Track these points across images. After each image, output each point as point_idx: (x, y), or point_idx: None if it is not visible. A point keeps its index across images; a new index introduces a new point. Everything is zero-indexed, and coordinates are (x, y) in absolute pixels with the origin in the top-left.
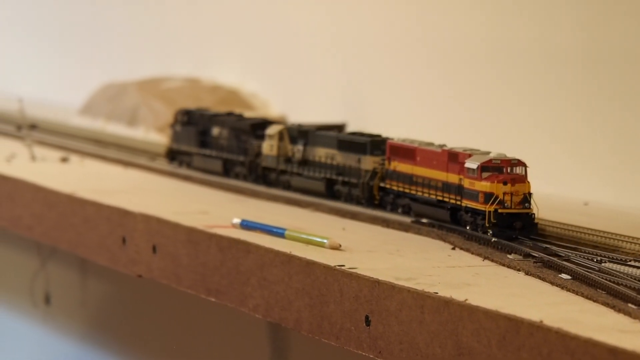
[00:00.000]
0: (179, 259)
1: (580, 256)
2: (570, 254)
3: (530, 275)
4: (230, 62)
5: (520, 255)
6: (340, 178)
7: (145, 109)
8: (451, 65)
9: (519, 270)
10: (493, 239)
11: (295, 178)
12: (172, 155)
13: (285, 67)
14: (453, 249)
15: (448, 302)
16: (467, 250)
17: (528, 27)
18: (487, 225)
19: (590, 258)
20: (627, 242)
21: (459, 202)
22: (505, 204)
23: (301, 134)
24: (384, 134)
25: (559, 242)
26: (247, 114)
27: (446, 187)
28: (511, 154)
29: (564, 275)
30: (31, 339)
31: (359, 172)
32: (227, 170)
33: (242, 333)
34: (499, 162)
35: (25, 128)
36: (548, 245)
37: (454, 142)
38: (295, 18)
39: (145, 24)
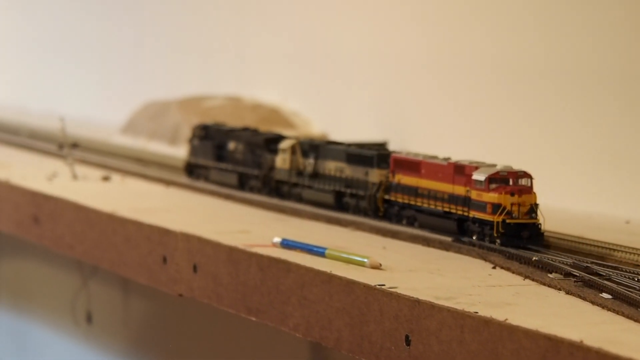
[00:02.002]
0: (220, 278)
1: (621, 275)
2: (611, 273)
3: (570, 294)
4: (271, 80)
5: (561, 274)
6: (348, 190)
7: (186, 128)
8: (491, 84)
9: (559, 289)
10: (534, 258)
11: (307, 190)
12: (190, 169)
13: (326, 85)
14: (494, 268)
15: (488, 322)
16: (508, 269)
17: (569, 48)
18: (495, 234)
19: (631, 277)
20: None
21: (466, 213)
22: (513, 215)
23: (312, 147)
24: (426, 152)
25: (600, 262)
26: (288, 132)
27: (453, 198)
28: (552, 173)
29: (604, 295)
30: (73, 357)
31: (367, 185)
32: (243, 183)
33: (282, 352)
34: (505, 174)
35: (67, 147)
36: (589, 265)
37: (494, 160)
38: (337, 37)
39: (187, 42)
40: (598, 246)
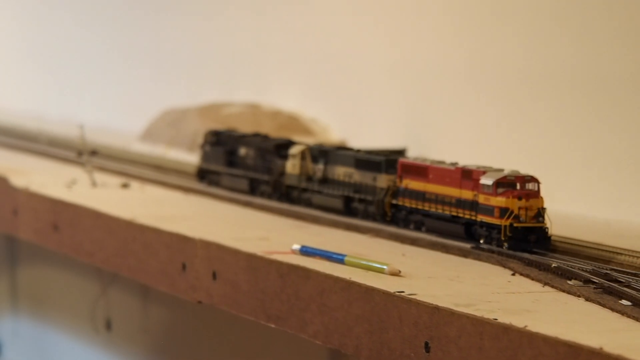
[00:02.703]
0: (239, 285)
1: None
2: (630, 280)
3: (590, 301)
4: (290, 87)
5: (581, 281)
6: (357, 196)
7: None
8: (513, 92)
9: (579, 296)
10: (553, 265)
11: (316, 196)
12: (202, 174)
13: (345, 92)
14: (513, 274)
15: (507, 329)
16: (527, 276)
17: (590, 56)
18: (502, 238)
19: None
20: None
21: (473, 217)
22: (520, 218)
23: (322, 153)
24: (446, 159)
25: (620, 268)
26: (307, 139)
27: (460, 203)
28: (577, 179)
29: (624, 302)
30: None
31: (375, 190)
32: (253, 188)
33: (301, 359)
34: (513, 178)
35: (86, 154)
36: (608, 271)
37: (517, 167)
38: (356, 43)
39: (206, 49)
40: (617, 253)
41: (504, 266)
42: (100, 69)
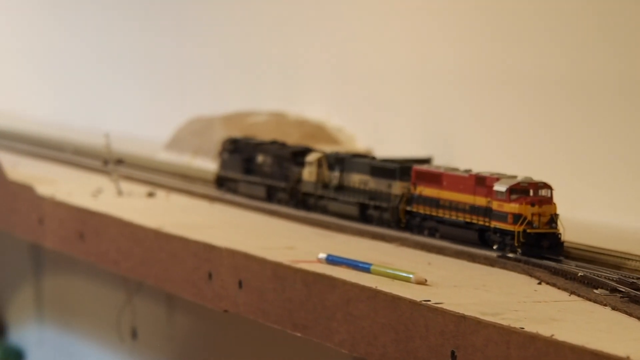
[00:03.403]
0: (265, 294)
1: None
2: None
3: (616, 310)
4: (316, 96)
5: (607, 290)
6: (372, 203)
7: None
8: (537, 99)
9: (605, 305)
10: (580, 274)
11: (332, 203)
12: (220, 182)
13: (372, 101)
14: (539, 283)
15: (534, 338)
16: (554, 285)
17: (617, 62)
18: (516, 244)
19: None
20: None
21: (487, 224)
22: (534, 225)
23: (338, 160)
24: (472, 167)
25: None
26: (333, 148)
27: (474, 209)
28: (599, 188)
29: None
30: None
31: (389, 197)
32: (270, 195)
33: None
34: (526, 185)
35: (112, 163)
36: (635, 280)
37: (543, 176)
38: (382, 52)
39: (231, 58)
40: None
41: (530, 275)
42: (125, 78)
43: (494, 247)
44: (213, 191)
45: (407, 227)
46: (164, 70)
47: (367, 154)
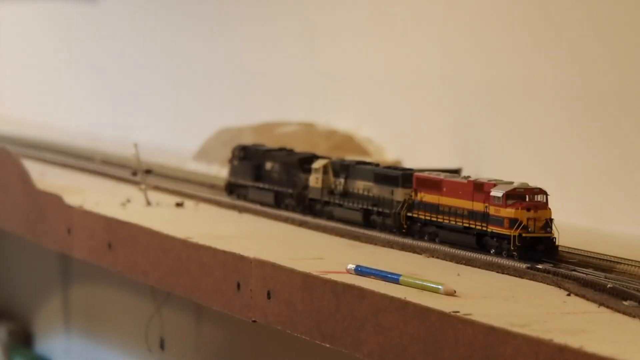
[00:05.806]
0: (294, 304)
1: None
2: None
3: None
4: (346, 107)
5: (636, 302)
6: (375, 209)
7: None
8: (567, 111)
9: (634, 316)
10: (609, 285)
11: (337, 209)
12: (231, 188)
13: (401, 112)
14: (568, 295)
15: (563, 349)
16: (583, 296)
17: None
18: (512, 248)
19: None
20: None
21: (484, 228)
22: (529, 229)
23: (343, 167)
24: (502, 178)
25: None
26: (363, 158)
27: (472, 214)
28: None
29: None
30: None
31: (392, 203)
32: (278, 201)
33: None
34: (522, 190)
35: (141, 173)
36: None
37: (573, 185)
38: (412, 62)
39: (261, 68)
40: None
41: (560, 286)
42: (154, 89)
43: (491, 251)
44: (242, 201)
45: (409, 233)
46: (193, 81)
47: (396, 164)
